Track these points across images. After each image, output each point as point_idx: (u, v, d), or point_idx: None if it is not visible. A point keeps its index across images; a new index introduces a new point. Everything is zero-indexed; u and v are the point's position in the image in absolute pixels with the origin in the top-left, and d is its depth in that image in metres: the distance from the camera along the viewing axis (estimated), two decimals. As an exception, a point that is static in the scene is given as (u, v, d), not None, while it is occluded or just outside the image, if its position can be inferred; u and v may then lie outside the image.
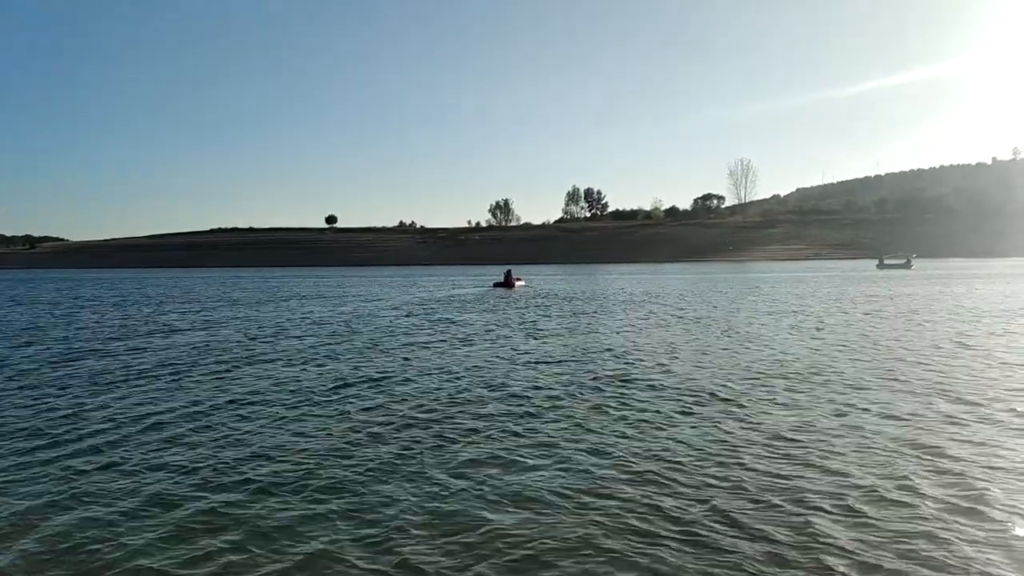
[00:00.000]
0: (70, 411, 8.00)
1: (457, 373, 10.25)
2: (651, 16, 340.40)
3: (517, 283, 37.39)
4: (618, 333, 15.09)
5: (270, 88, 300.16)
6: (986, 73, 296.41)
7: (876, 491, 4.97)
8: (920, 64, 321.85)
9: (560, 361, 11.28)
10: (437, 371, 10.44)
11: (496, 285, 37.47)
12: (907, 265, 60.63)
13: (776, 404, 7.78)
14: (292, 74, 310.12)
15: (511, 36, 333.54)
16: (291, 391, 9.06)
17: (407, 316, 20.36)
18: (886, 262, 64.05)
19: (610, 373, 9.98)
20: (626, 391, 8.66)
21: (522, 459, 5.92)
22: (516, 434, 6.72)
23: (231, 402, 8.41)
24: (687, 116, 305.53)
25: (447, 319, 19.15)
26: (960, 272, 48.06)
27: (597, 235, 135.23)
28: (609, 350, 12.40)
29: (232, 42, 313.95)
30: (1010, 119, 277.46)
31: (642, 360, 11.16)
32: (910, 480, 5.18)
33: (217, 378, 10.13)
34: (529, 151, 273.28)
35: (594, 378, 9.61)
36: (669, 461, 5.78)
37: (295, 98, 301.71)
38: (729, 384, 8.97)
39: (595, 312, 20.77)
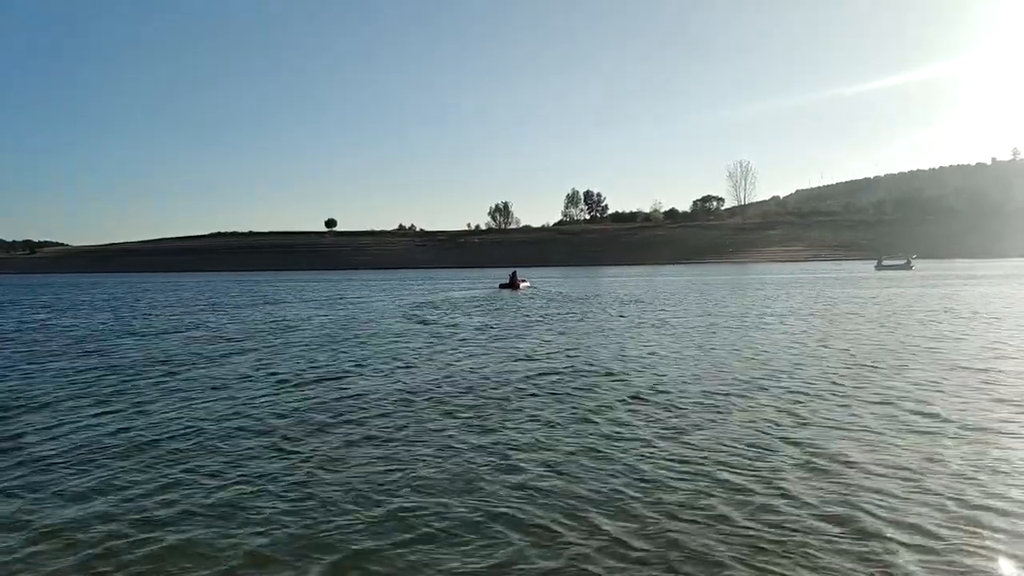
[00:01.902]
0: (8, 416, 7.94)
1: (419, 369, 10.11)
2: (651, 16, 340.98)
3: (523, 284, 37.73)
4: (588, 335, 15.05)
5: (269, 89, 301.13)
6: (985, 73, 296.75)
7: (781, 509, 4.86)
8: (919, 64, 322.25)
9: (520, 360, 11.19)
10: (404, 369, 10.32)
11: (502, 287, 37.77)
12: (907, 266, 60.28)
13: (707, 409, 7.62)
14: (291, 75, 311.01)
15: (511, 36, 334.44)
16: (243, 386, 8.95)
17: (405, 319, 20.26)
18: (885, 263, 63.73)
19: (558, 371, 9.93)
20: (570, 391, 8.61)
21: (405, 452, 5.84)
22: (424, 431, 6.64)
23: (177, 398, 8.29)
24: (687, 116, 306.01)
25: (441, 320, 19.07)
26: (959, 273, 47.89)
27: (596, 237, 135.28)
28: (566, 350, 12.38)
29: (232, 42, 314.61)
30: (1009, 119, 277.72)
31: (599, 362, 11.09)
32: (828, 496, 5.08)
33: (166, 374, 10.03)
34: (529, 152, 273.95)
35: (529, 377, 9.52)
36: (573, 463, 5.72)
37: (294, 99, 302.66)
38: (669, 388, 8.80)
39: (576, 314, 20.67)
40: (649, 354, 11.91)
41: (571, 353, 12.24)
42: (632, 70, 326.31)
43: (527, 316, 20.26)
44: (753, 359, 11.12)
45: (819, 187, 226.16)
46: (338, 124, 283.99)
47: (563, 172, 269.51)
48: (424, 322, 18.94)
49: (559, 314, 20.72)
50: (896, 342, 12.85)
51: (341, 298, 32.22)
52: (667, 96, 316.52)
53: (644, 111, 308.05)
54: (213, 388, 9.46)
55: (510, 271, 41.68)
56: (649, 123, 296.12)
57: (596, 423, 7.07)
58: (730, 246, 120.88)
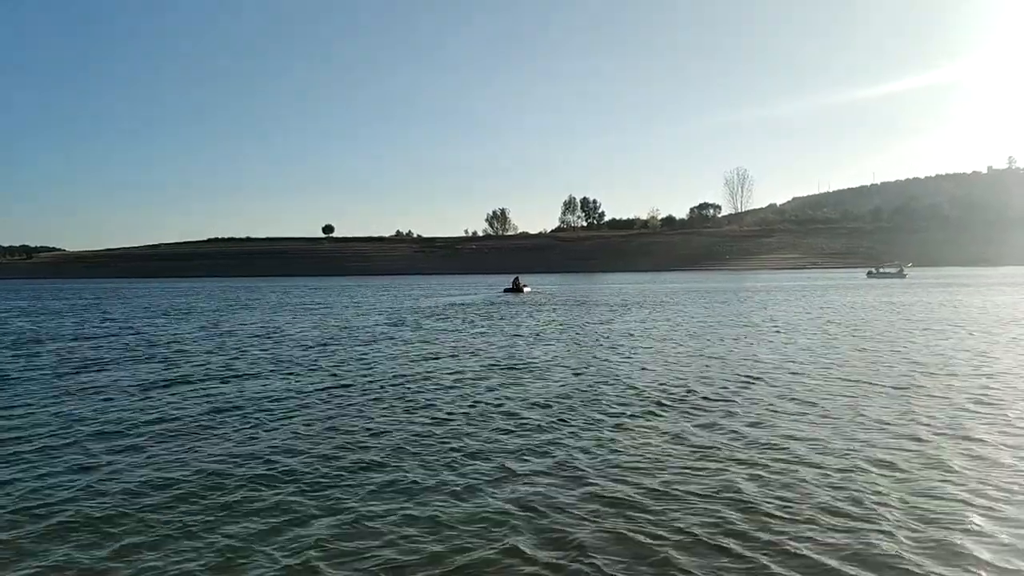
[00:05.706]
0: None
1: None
2: (649, 22, 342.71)
3: (525, 289, 41.13)
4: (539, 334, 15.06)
5: (267, 94, 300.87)
6: (982, 81, 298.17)
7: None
8: (916, 72, 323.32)
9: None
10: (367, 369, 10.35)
11: (507, 291, 41.54)
12: (900, 274, 60.58)
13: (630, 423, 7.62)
14: (289, 79, 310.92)
15: (509, 43, 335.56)
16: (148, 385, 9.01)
17: (401, 325, 20.18)
18: (880, 271, 64.03)
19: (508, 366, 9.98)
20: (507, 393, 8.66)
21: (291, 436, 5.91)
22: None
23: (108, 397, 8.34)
24: (684, 124, 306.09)
25: (439, 326, 19.06)
26: (951, 281, 47.95)
27: (593, 244, 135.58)
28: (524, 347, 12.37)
29: (229, 48, 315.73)
30: (1005, 127, 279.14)
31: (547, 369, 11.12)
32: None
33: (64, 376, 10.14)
34: (526, 159, 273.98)
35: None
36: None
37: (292, 104, 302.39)
38: (599, 400, 8.80)
39: (566, 319, 20.68)
40: (580, 366, 11.80)
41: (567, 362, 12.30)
42: (629, 77, 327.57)
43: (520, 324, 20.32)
44: (680, 374, 10.97)
45: (816, 195, 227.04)
46: (336, 130, 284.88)
47: (560, 179, 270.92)
48: (400, 325, 18.99)
49: (555, 319, 20.80)
50: (866, 352, 12.89)
51: (319, 304, 32.27)
52: (664, 103, 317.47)
53: (641, 118, 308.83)
54: (93, 392, 9.87)
55: (512, 277, 45.72)
56: (646, 130, 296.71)
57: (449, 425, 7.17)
58: (727, 254, 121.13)
